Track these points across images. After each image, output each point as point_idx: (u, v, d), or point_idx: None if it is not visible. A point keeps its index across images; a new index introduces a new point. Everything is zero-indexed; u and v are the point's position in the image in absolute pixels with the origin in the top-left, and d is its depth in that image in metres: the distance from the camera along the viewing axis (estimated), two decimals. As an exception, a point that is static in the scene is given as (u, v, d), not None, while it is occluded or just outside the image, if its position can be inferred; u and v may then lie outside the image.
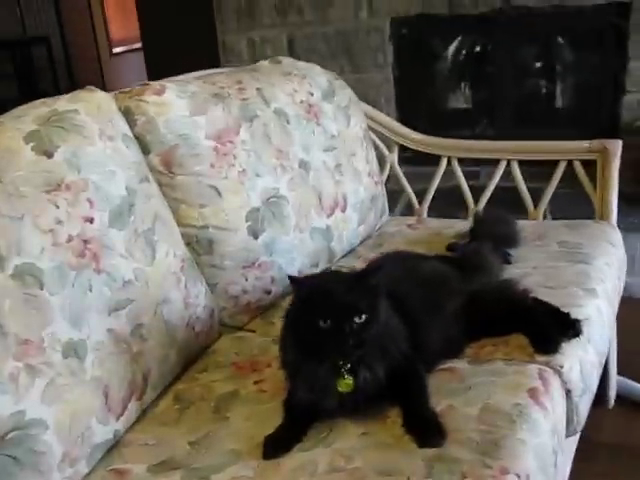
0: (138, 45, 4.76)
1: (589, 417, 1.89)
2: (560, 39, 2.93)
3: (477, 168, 2.68)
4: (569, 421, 1.23)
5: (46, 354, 1.02)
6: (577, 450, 1.73)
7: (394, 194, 2.44)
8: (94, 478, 1.07)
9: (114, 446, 1.13)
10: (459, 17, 2.82)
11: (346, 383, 1.09)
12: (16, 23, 6.47)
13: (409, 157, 2.97)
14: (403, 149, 3.00)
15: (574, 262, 1.58)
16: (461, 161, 2.06)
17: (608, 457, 1.81)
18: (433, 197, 2.14)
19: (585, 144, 1.91)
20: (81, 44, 6.75)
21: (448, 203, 2.26)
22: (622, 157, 2.73)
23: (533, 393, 1.14)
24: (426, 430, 1.04)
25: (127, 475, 1.07)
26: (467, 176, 2.09)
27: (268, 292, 1.53)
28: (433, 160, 2.11)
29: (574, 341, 1.27)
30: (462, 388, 1.16)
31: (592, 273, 1.54)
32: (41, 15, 6.56)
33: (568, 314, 1.28)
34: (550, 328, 1.26)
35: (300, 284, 1.09)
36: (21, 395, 0.97)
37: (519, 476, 0.97)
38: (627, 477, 1.72)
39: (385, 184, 2.20)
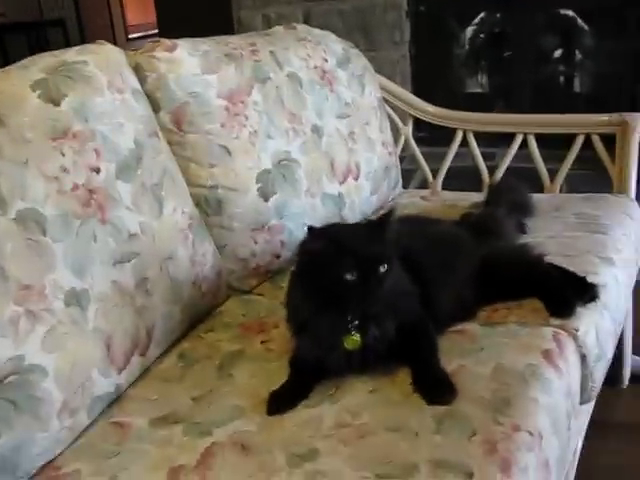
0: (155, 31, 4.76)
1: (603, 396, 1.87)
2: (580, 19, 2.87)
3: (492, 149, 2.63)
4: (584, 387, 1.20)
5: (47, 301, 1.00)
6: (591, 429, 1.70)
7: (409, 172, 2.41)
8: (95, 430, 1.05)
9: (115, 400, 1.11)
10: (478, -6, 2.78)
11: (353, 340, 1.06)
12: (32, 4, 6.48)
13: (424, 137, 2.94)
14: (418, 128, 2.97)
15: (591, 232, 1.55)
16: (476, 139, 2.02)
17: (622, 436, 1.77)
18: (448, 176, 2.10)
19: (604, 117, 1.87)
20: (97, 28, 6.76)
21: (463, 182, 2.22)
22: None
23: (547, 354, 1.10)
24: (435, 387, 1.02)
25: (128, 428, 1.04)
26: (482, 157, 2.05)
27: (277, 256, 1.50)
28: (448, 140, 2.07)
29: (590, 306, 1.24)
30: (474, 349, 1.13)
31: (609, 243, 1.50)
32: (58, -3, 6.56)
33: (584, 278, 1.25)
34: (566, 291, 1.22)
35: (318, 235, 1.03)
36: (21, 340, 0.95)
37: (531, 434, 0.94)
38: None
39: (400, 161, 2.18)
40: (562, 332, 1.17)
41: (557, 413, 1.03)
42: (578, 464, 1.41)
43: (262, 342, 1.25)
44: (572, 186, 2.38)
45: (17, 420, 0.92)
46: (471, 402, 0.99)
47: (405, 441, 0.93)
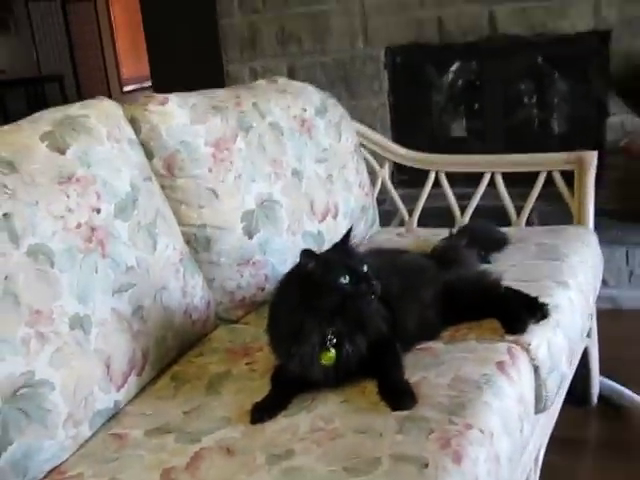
0: (148, 84, 4.97)
1: (573, 415, 2.00)
2: (546, 66, 3.07)
3: (470, 189, 2.79)
4: (538, 397, 1.32)
5: (55, 324, 1.13)
6: (562, 446, 1.83)
7: (389, 213, 2.56)
8: (96, 441, 1.17)
9: (114, 415, 1.23)
10: (450, 46, 2.98)
11: (329, 356, 1.19)
12: (31, 62, 6.73)
13: (405, 180, 3.12)
14: (400, 172, 3.13)
15: (550, 260, 1.69)
16: (454, 180, 2.17)
17: (591, 453, 1.88)
18: (428, 215, 2.23)
19: (563, 156, 2.03)
20: (93, 82, 7.00)
21: (441, 221, 2.37)
22: (607, 175, 2.88)
23: (500, 365, 1.23)
24: (398, 395, 1.14)
25: (125, 438, 1.16)
26: (459, 198, 2.19)
27: (262, 289, 1.64)
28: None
29: (543, 324, 1.37)
30: (436, 363, 1.26)
31: (565, 268, 1.64)
32: (55, 54, 6.81)
33: (536, 298, 1.38)
34: (519, 310, 1.36)
35: (310, 256, 1.16)
36: (31, 358, 1.08)
37: (482, 431, 1.07)
38: (612, 471, 1.78)
39: (380, 204, 2.34)
40: (515, 346, 1.30)
41: (508, 415, 1.15)
42: (555, 478, 1.54)
43: (247, 364, 1.37)
44: (543, 220, 2.55)
45: (28, 428, 1.05)
46: (430, 407, 1.12)
47: (370, 440, 1.05)
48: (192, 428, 1.16)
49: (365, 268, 1.17)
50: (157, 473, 1.05)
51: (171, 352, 1.40)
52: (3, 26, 6.85)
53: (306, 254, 1.16)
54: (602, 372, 2.10)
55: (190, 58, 3.88)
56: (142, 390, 1.31)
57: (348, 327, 1.19)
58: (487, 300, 1.39)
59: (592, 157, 1.98)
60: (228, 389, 1.28)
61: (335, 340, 1.19)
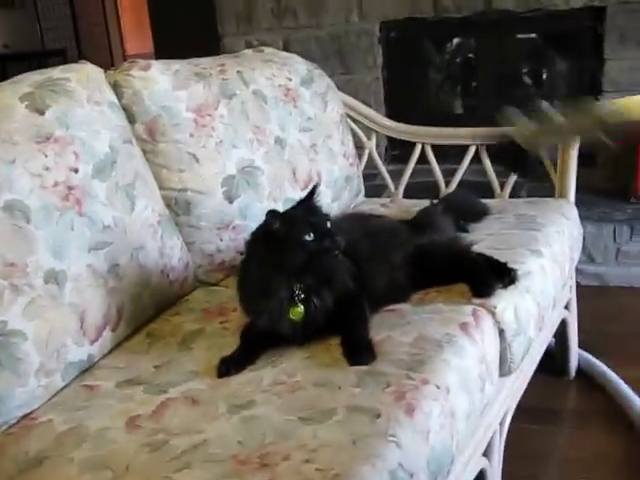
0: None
1: (552, 387, 2.04)
2: (540, 42, 3.07)
3: (457, 166, 2.80)
4: (503, 360, 1.35)
5: (29, 277, 1.17)
6: (539, 415, 1.87)
7: (379, 189, 2.57)
8: (68, 391, 1.21)
9: (88, 368, 1.27)
10: (444, 20, 2.98)
11: (297, 311, 1.22)
12: (35, 36, 6.74)
13: (396, 155, 3.14)
14: (392, 147, 3.15)
15: (526, 230, 1.71)
16: (441, 157, 2.18)
17: (568, 421, 1.92)
18: (414, 190, 2.24)
19: (547, 129, 2.04)
20: (97, 57, 6.99)
21: (427, 196, 2.38)
22: (599, 154, 2.89)
23: (464, 326, 1.26)
24: (357, 350, 1.18)
25: (97, 389, 1.20)
26: (448, 174, 2.19)
27: (241, 253, 1.66)
28: (418, 157, 2.23)
29: (511, 289, 1.39)
30: (401, 323, 1.29)
31: (541, 238, 1.66)
32: (59, 29, 6.82)
33: (505, 264, 1.41)
34: (487, 275, 1.38)
35: (275, 216, 1.19)
36: (4, 308, 1.11)
37: (438, 387, 1.10)
38: (587, 439, 1.82)
39: (371, 180, 2.36)
40: (481, 309, 1.33)
41: (468, 374, 1.18)
42: (531, 445, 1.55)
43: (220, 322, 1.41)
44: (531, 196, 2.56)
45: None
46: (390, 363, 1.15)
47: (329, 393, 1.09)
48: (161, 380, 1.20)
49: (329, 224, 1.20)
50: (123, 420, 1.09)
51: (148, 310, 1.43)
52: (7, 0, 6.85)
53: (271, 215, 1.19)
54: (584, 346, 2.12)
55: (192, 33, 3.89)
56: (117, 345, 1.35)
57: (315, 282, 1.22)
58: (457, 264, 1.42)
59: (575, 131, 1.99)
60: (199, 345, 1.32)
61: (303, 295, 1.22)
